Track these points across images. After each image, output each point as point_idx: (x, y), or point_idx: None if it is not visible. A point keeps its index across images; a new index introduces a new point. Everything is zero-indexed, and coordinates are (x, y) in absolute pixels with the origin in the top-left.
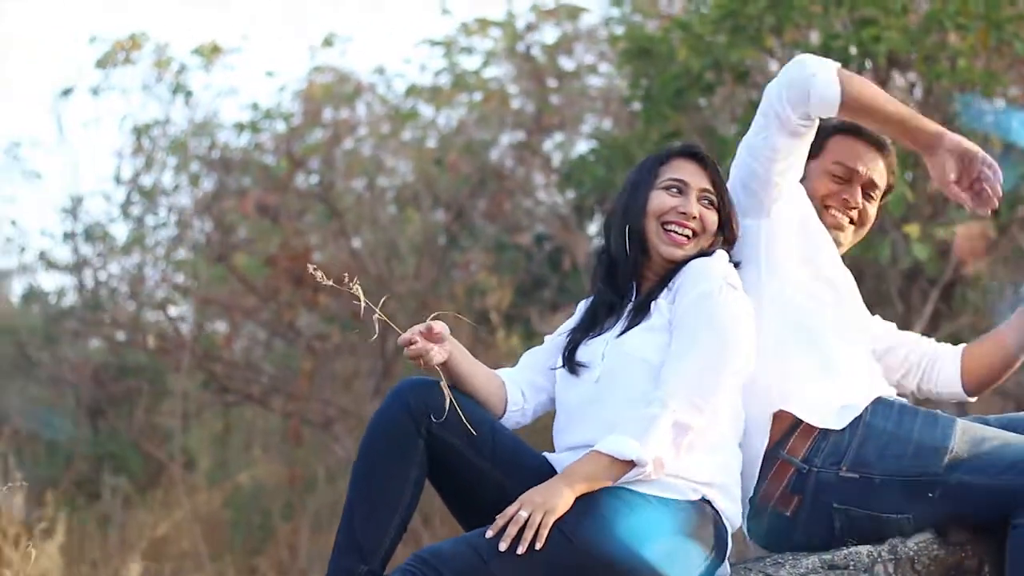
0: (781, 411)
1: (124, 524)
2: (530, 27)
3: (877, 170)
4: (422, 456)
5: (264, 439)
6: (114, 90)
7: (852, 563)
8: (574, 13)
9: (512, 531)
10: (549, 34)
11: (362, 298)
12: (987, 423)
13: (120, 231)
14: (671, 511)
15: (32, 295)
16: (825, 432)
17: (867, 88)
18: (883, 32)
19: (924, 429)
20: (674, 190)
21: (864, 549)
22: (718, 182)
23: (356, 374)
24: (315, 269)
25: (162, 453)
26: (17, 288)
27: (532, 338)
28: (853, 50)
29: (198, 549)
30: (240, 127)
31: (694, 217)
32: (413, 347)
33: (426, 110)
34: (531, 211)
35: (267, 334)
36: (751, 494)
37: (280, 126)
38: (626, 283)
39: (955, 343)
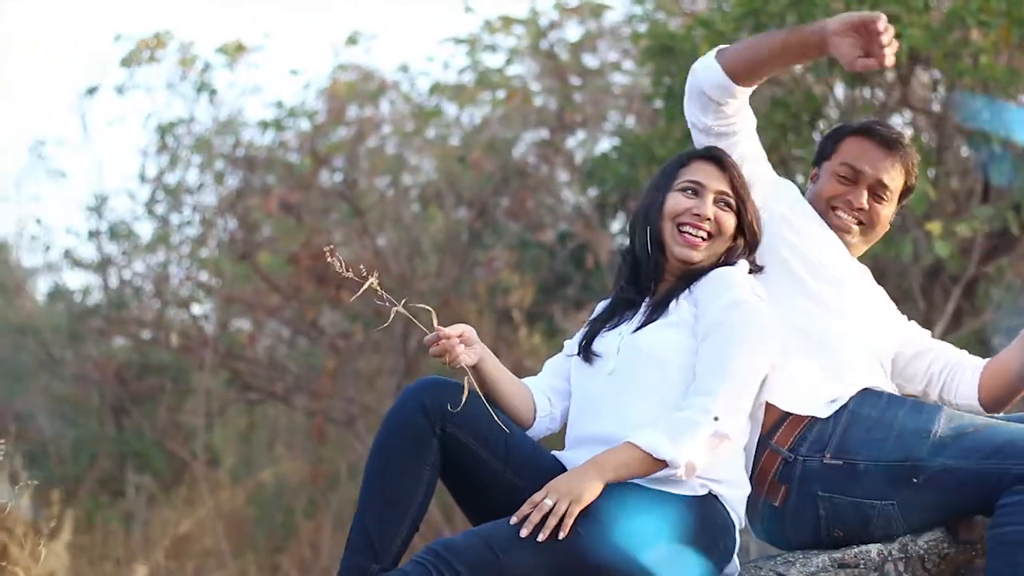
0: (769, 402)
1: (148, 522)
2: (553, 25)
3: (886, 170)
4: (436, 455)
5: (287, 437)
6: (139, 89)
7: (863, 561)
8: (597, 11)
9: (535, 518)
10: (572, 32)
11: (380, 291)
12: (1010, 421)
13: (145, 229)
14: (680, 506)
15: (57, 293)
16: (812, 421)
17: (742, 47)
18: (905, 29)
19: (908, 415)
20: (690, 192)
21: (874, 548)
22: (738, 185)
23: (379, 372)
24: (333, 256)
25: (186, 451)
26: (42, 287)
27: (555, 335)
28: None
29: (221, 547)
30: (264, 125)
31: (708, 219)
32: (439, 344)
33: (449, 108)
34: (554, 209)
35: (290, 332)
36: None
37: (304, 124)
38: (648, 283)
39: (979, 340)
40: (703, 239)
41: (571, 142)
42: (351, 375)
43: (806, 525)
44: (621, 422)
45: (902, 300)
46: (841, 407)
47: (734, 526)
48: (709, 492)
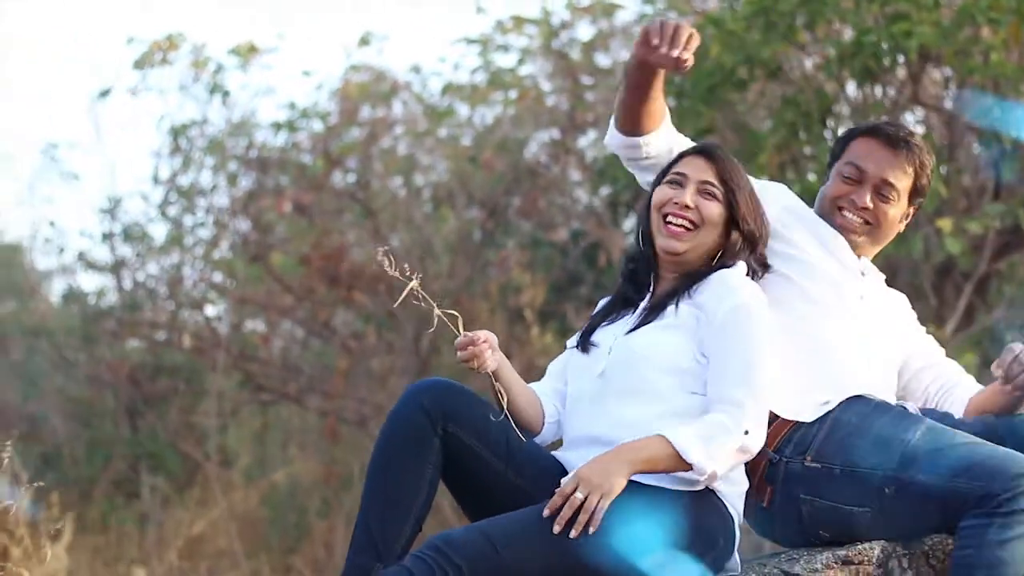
0: None
1: (162, 523)
2: (565, 24)
3: (891, 170)
4: (437, 455)
5: (300, 437)
6: (151, 91)
7: (867, 558)
8: (609, 10)
9: (567, 514)
10: (584, 31)
11: (421, 292)
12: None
13: (158, 231)
14: (679, 502)
15: (71, 296)
16: (797, 425)
17: (617, 101)
18: (915, 27)
19: (887, 424)
20: (674, 183)
21: (878, 544)
22: (727, 177)
23: (391, 372)
24: (385, 253)
25: (199, 452)
26: (57, 289)
27: (567, 335)
28: (885, 45)
29: (234, 547)
30: (277, 126)
31: (688, 207)
32: (470, 349)
33: (461, 108)
34: (566, 208)
35: (304, 333)
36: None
37: (317, 125)
38: (644, 280)
39: (990, 338)
40: (686, 229)
41: (583, 141)
42: (364, 375)
43: (792, 525)
44: (612, 423)
45: (914, 297)
46: (827, 412)
47: (733, 522)
48: (707, 488)
